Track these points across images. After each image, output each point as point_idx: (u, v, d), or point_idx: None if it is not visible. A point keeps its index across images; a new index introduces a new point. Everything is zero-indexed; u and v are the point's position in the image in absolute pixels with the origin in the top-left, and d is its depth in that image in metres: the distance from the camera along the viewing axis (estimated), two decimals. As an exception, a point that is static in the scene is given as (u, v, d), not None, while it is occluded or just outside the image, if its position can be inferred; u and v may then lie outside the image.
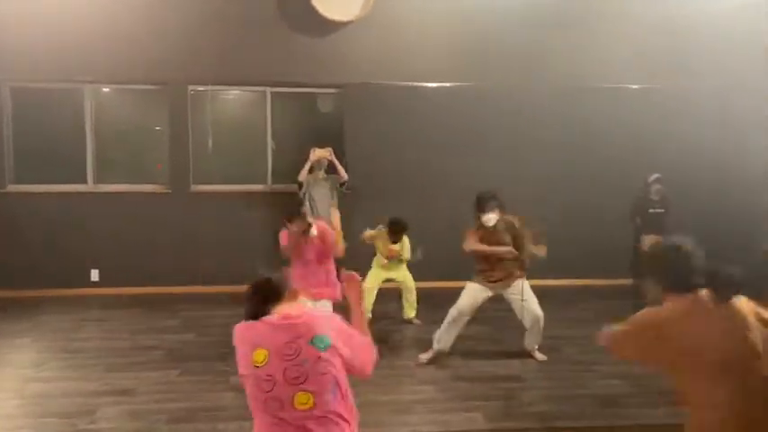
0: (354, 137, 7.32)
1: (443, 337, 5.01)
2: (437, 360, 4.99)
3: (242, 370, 2.14)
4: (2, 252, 6.87)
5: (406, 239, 5.97)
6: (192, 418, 3.95)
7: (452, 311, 5.01)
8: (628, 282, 7.75)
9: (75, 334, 5.62)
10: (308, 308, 2.29)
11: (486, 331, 5.68)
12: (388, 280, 6.06)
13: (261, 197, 7.36)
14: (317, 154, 6.78)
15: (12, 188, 7.01)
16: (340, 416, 2.10)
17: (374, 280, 5.97)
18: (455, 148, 7.38)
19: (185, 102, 7.21)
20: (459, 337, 5.26)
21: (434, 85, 7.40)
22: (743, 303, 2.14)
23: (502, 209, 5.01)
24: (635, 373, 4.67)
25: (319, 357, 2.08)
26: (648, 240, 6.65)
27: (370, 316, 6.02)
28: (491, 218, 4.94)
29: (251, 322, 2.17)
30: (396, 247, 5.93)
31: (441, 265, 6.32)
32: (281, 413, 2.05)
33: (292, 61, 7.19)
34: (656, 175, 7.47)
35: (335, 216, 6.66)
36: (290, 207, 5.15)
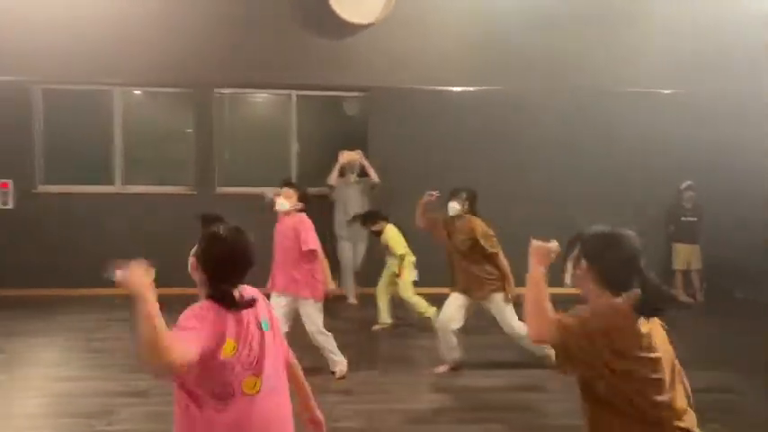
0: (379, 140, 7.27)
1: (444, 350, 4.86)
2: (456, 369, 4.89)
3: (199, 351, 1.88)
4: (30, 251, 6.97)
5: (388, 232, 5.82)
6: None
7: (437, 324, 4.93)
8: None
9: (97, 334, 5.67)
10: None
11: (509, 340, 5.55)
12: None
13: (285, 200, 7.33)
14: (346, 157, 6.78)
15: (42, 189, 7.12)
16: (281, 393, 2.09)
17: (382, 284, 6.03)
18: (479, 152, 7.28)
19: (211, 104, 7.24)
20: (482, 346, 5.18)
21: (459, 89, 7.32)
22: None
23: (471, 208, 4.83)
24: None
25: (264, 338, 2.05)
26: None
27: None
28: (451, 206, 4.79)
29: (218, 309, 2.00)
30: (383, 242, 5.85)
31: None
32: (230, 398, 1.96)
33: (317, 64, 7.18)
34: (688, 183, 7.29)
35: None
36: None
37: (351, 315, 6.62)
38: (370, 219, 5.99)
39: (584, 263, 2.04)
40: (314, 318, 4.57)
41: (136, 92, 7.45)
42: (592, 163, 7.41)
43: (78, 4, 6.92)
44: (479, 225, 4.76)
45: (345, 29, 7.07)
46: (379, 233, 5.89)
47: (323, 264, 4.63)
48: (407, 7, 7.08)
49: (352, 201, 6.85)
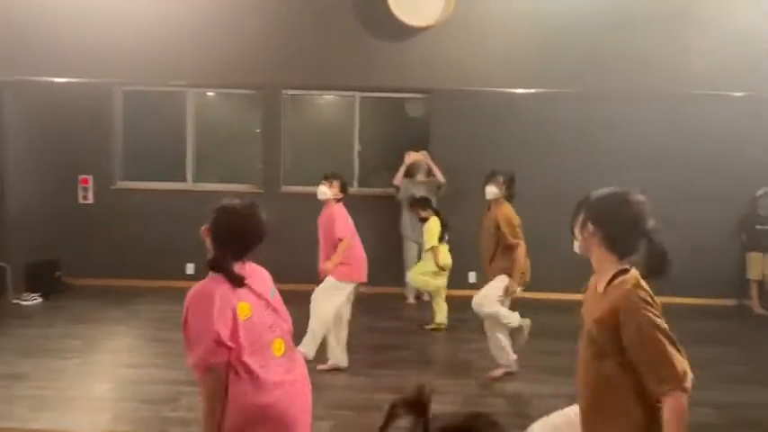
0: (440, 141, 7.28)
1: (494, 351, 4.80)
2: (512, 373, 4.84)
3: (224, 331, 2.02)
4: (108, 244, 7.38)
5: (430, 223, 5.89)
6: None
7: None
8: (732, 302, 7.27)
9: (166, 323, 5.94)
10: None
11: (564, 345, 5.46)
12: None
13: (347, 200, 7.44)
14: (412, 157, 6.86)
15: (120, 184, 7.52)
16: (297, 354, 2.30)
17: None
18: (543, 156, 7.17)
19: (279, 105, 7.45)
20: (534, 351, 5.11)
21: (521, 90, 7.23)
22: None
23: (509, 192, 4.72)
24: (728, 402, 4.35)
25: (278, 307, 2.25)
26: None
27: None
28: (489, 190, 4.70)
29: (222, 283, 2.10)
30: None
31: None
32: (264, 360, 2.09)
33: (380, 67, 7.26)
34: (764, 189, 6.95)
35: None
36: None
37: (409, 315, 6.67)
38: (421, 204, 6.06)
39: (590, 226, 1.97)
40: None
41: (208, 93, 7.75)
42: (661, 168, 7.16)
43: (156, 10, 7.26)
44: (503, 212, 4.64)
45: (407, 31, 7.11)
46: (424, 220, 5.93)
47: (353, 251, 4.82)
48: (469, 9, 7.06)
49: None
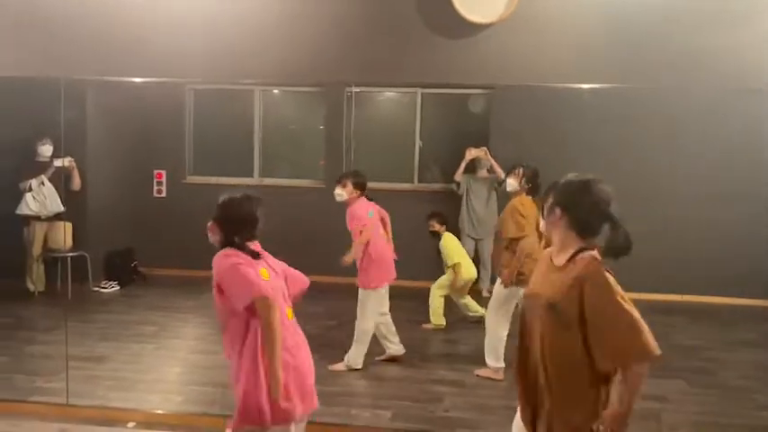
0: (501, 137, 7.25)
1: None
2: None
3: (258, 281, 2.38)
4: (180, 235, 7.72)
5: (445, 242, 5.87)
6: (328, 401, 4.17)
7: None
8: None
9: (234, 313, 6.19)
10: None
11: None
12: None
13: (407, 195, 7.55)
14: (473, 153, 6.90)
15: (190, 179, 7.86)
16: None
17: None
18: (605, 152, 7.01)
19: (341, 102, 7.60)
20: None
21: (586, 86, 7.10)
22: None
23: (531, 186, 4.65)
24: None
25: (281, 282, 2.59)
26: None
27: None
28: (509, 183, 4.66)
29: (239, 253, 2.46)
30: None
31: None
32: (282, 317, 2.42)
33: (443, 63, 7.26)
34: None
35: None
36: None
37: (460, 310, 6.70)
38: (436, 218, 6.01)
39: (557, 210, 2.10)
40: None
41: (274, 91, 7.99)
42: (731, 167, 6.91)
43: (226, 12, 7.51)
44: (512, 204, 4.57)
45: (469, 28, 7.09)
46: (436, 235, 5.92)
47: (377, 253, 4.89)
48: (532, 4, 6.98)
49: (477, 196, 6.97)
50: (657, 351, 1.96)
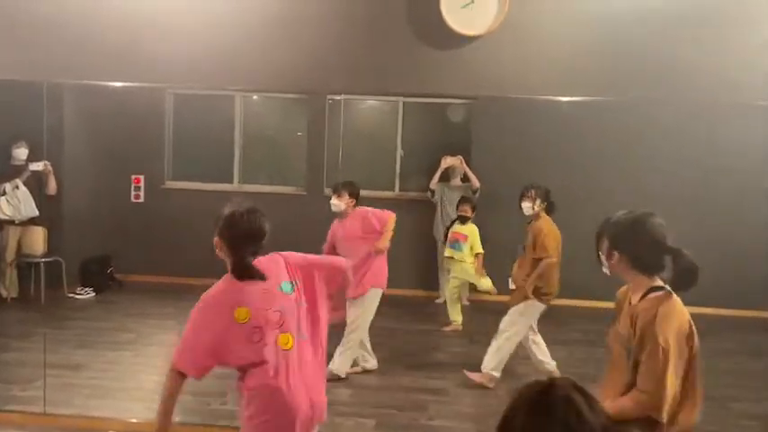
0: (482, 147, 7.32)
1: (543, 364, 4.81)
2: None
3: (186, 346, 2.34)
4: (158, 241, 7.62)
5: (474, 229, 5.86)
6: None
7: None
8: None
9: (214, 321, 6.12)
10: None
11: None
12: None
13: (388, 203, 7.54)
14: (448, 161, 6.95)
15: (169, 184, 7.77)
16: (314, 344, 2.42)
17: (450, 288, 6.13)
18: (584, 165, 7.15)
19: (323, 110, 7.60)
20: (583, 359, 5.13)
21: (567, 98, 7.22)
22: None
23: (546, 206, 4.71)
24: (774, 416, 4.30)
25: (289, 301, 2.37)
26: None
27: (459, 327, 6.06)
28: (525, 206, 4.70)
29: (233, 284, 2.35)
30: (461, 229, 5.86)
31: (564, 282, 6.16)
32: (269, 356, 2.27)
33: (426, 73, 7.31)
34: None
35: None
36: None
37: (443, 317, 6.74)
38: (471, 202, 6.12)
39: (614, 254, 2.07)
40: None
41: (255, 97, 7.95)
42: (709, 179, 7.08)
43: (207, 17, 7.46)
44: (539, 227, 4.64)
45: (456, 39, 7.16)
46: (466, 219, 5.95)
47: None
48: (517, 17, 7.07)
49: (452, 204, 7.01)
50: (663, 414, 1.91)
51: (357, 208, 4.85)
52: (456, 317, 6.11)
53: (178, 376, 2.32)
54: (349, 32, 7.45)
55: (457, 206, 6.18)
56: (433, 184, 7.05)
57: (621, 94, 7.12)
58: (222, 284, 2.37)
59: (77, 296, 6.80)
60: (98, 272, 7.16)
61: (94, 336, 5.53)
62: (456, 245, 5.95)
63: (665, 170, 7.11)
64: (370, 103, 7.98)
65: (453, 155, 7.05)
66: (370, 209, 4.83)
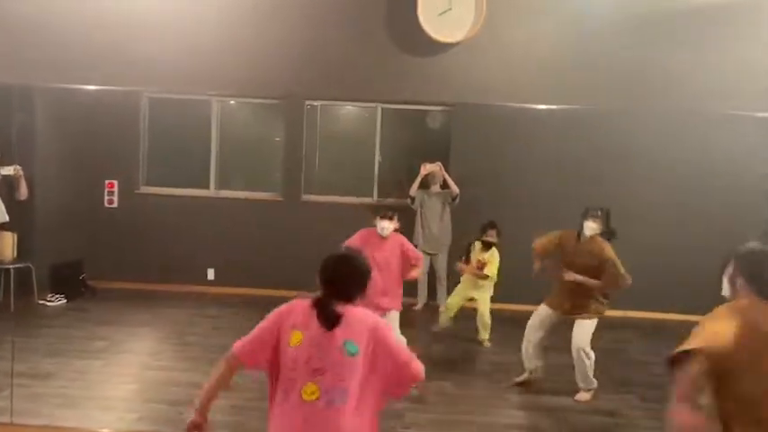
0: (460, 154, 7.35)
1: (525, 361, 4.91)
2: (532, 385, 4.89)
3: (247, 338, 2.28)
4: (132, 247, 7.52)
5: (495, 253, 5.90)
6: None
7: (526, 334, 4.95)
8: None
9: (189, 328, 6.05)
10: (357, 309, 2.29)
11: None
12: (471, 299, 6.04)
13: (366, 209, 7.54)
14: (428, 168, 6.96)
15: (144, 189, 7.66)
16: (344, 413, 2.13)
17: (456, 295, 6.05)
18: (561, 173, 7.21)
19: (301, 116, 7.57)
20: (562, 366, 5.15)
21: (543, 107, 7.29)
22: None
23: (606, 228, 4.74)
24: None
25: (342, 361, 2.16)
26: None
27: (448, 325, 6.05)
28: (589, 226, 4.69)
29: (306, 307, 2.25)
30: (483, 256, 5.87)
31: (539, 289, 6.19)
32: (288, 396, 2.16)
33: (404, 79, 7.35)
34: (785, 208, 6.93)
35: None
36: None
37: (421, 323, 6.73)
38: (495, 227, 6.02)
39: (740, 281, 2.11)
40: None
41: (232, 102, 7.89)
42: (683, 188, 7.18)
43: (184, 20, 7.42)
44: (609, 247, 4.67)
45: (434, 47, 7.20)
46: (490, 246, 5.92)
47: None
48: (494, 26, 7.14)
49: (432, 211, 7.02)
50: None
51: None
52: (446, 320, 6.14)
53: (231, 359, 2.29)
54: (327, 39, 7.45)
55: (483, 230, 6.04)
56: (413, 191, 7.05)
57: (599, 103, 7.21)
58: (300, 301, 2.32)
59: (48, 303, 6.66)
60: (70, 278, 7.02)
61: (65, 344, 5.41)
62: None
63: (643, 176, 7.21)
64: (349, 108, 7.97)
65: (432, 161, 7.07)
66: (404, 239, 5.10)
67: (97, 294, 7.11)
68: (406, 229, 7.16)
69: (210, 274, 7.57)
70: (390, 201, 7.47)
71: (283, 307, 2.31)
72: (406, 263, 4.94)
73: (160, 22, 7.42)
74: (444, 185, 7.03)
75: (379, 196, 7.66)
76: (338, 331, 2.18)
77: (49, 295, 6.77)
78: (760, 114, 7.10)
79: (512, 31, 7.24)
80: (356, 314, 2.24)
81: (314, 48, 7.41)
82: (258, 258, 7.54)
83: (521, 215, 7.02)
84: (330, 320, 2.19)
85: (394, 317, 4.92)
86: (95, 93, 7.45)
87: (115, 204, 7.57)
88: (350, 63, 7.40)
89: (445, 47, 7.19)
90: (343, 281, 2.31)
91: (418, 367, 2.24)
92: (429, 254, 7.08)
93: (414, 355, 2.27)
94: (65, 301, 6.78)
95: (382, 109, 7.63)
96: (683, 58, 7.14)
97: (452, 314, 6.11)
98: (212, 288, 7.52)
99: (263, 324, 2.29)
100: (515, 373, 5.05)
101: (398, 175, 7.74)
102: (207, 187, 7.74)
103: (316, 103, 7.70)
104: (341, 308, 2.24)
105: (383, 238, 4.92)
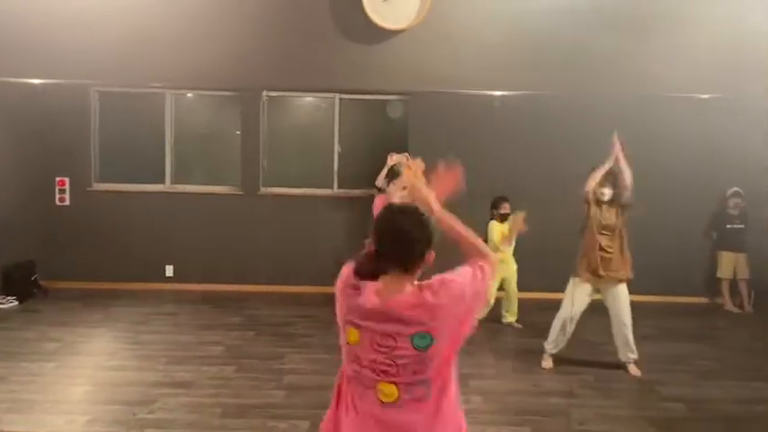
0: (418, 143, 7.33)
1: (561, 341, 5.03)
2: (490, 371, 4.94)
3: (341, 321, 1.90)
4: (85, 246, 7.34)
5: (511, 218, 5.94)
6: (245, 413, 4.08)
7: (559, 319, 5.01)
8: (703, 300, 7.42)
9: (145, 326, 5.93)
10: (420, 290, 1.83)
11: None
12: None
13: (326, 201, 7.51)
14: (395, 159, 6.92)
15: (96, 186, 7.47)
16: (429, 403, 1.83)
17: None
18: (520, 158, 7.27)
19: (258, 107, 7.46)
20: (520, 351, 5.22)
21: (497, 93, 7.33)
22: None
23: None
24: (697, 398, 4.47)
25: (417, 356, 1.80)
26: None
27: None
28: (605, 192, 4.89)
29: (357, 285, 1.86)
30: (505, 229, 5.94)
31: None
32: (361, 398, 1.86)
33: (360, 69, 7.30)
34: (734, 189, 7.12)
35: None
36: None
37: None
38: (508, 200, 6.09)
39: None
40: None
41: (187, 95, 7.74)
42: (639, 170, 7.26)
43: (133, 11, 7.23)
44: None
45: (382, 34, 7.16)
46: (506, 217, 5.98)
47: None
48: (445, 12, 7.14)
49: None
50: None
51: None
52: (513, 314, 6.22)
53: None
54: (279, 29, 7.34)
55: (495, 205, 6.10)
56: (380, 181, 7.01)
57: (552, 88, 7.28)
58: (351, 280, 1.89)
59: (-1, 305, 6.48)
60: (21, 279, 6.82)
61: (16, 346, 5.26)
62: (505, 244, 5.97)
63: (600, 160, 7.28)
64: (308, 99, 7.88)
65: (394, 151, 7.04)
66: None
67: (50, 295, 6.93)
68: (365, 219, 7.16)
69: (169, 270, 7.44)
70: (354, 192, 7.45)
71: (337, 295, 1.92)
72: None
73: (108, 15, 7.22)
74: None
75: (339, 187, 7.61)
76: (401, 324, 1.79)
77: (0, 297, 6.57)
78: (705, 96, 7.27)
79: (458, 18, 7.24)
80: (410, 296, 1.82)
81: (267, 39, 7.31)
82: (218, 253, 7.44)
83: (477, 202, 7.07)
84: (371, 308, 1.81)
85: None
86: (43, 87, 7.23)
87: (67, 202, 7.37)
88: (304, 54, 7.31)
89: (393, 34, 7.15)
90: (396, 244, 1.85)
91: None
92: None
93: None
94: (16, 302, 6.59)
95: (340, 99, 7.57)
96: (632, 41, 7.23)
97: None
98: (171, 285, 7.39)
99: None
100: (477, 356, 5.11)
101: (358, 166, 7.71)
102: (162, 182, 7.59)
103: (273, 94, 7.60)
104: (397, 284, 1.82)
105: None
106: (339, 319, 1.92)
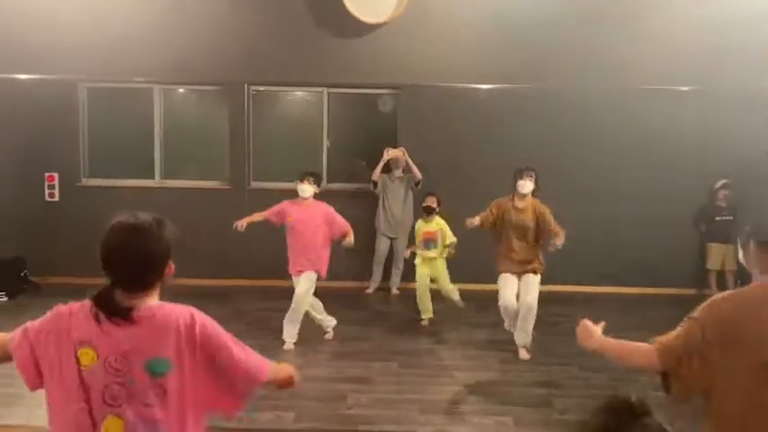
0: (408, 137, 7.37)
1: (517, 333, 5.09)
2: (473, 363, 4.99)
3: (46, 372, 1.70)
4: (74, 241, 7.32)
5: (442, 222, 5.80)
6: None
7: (501, 308, 5.08)
8: (691, 291, 7.47)
9: (134, 321, 5.94)
10: (163, 305, 1.75)
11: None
12: (432, 280, 5.95)
13: (315, 195, 7.51)
14: (391, 153, 6.95)
15: (86, 182, 7.48)
16: None
17: (421, 279, 5.92)
18: (508, 150, 7.28)
19: (244, 102, 7.47)
20: (502, 342, 5.26)
21: (486, 86, 7.35)
22: None
23: (537, 187, 5.02)
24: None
25: (149, 384, 1.66)
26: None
27: (431, 316, 6.03)
28: (526, 184, 4.93)
29: (77, 307, 1.78)
30: (429, 227, 5.80)
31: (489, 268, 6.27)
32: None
33: (348, 63, 7.31)
34: (723, 181, 7.15)
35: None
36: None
37: (374, 307, 6.78)
38: (437, 197, 5.95)
39: (752, 244, 2.29)
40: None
41: (181, 90, 7.74)
42: (619, 161, 7.33)
43: (120, 6, 7.23)
44: (542, 205, 4.98)
45: (362, 28, 7.15)
46: (432, 211, 5.80)
47: None
48: (431, 6, 7.15)
49: (394, 195, 7.04)
50: None
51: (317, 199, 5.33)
52: (428, 310, 5.98)
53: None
54: (264, 24, 7.33)
55: (421, 201, 5.98)
56: (376, 175, 7.04)
57: (537, 82, 7.30)
58: (65, 309, 1.79)
59: (-12, 301, 6.49)
60: (11, 275, 6.84)
61: (5, 342, 5.27)
62: (429, 244, 5.81)
63: (582, 153, 7.33)
64: (297, 93, 7.89)
65: (384, 145, 7.08)
66: (331, 208, 5.34)
67: (40, 290, 6.95)
68: (365, 214, 7.18)
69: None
70: (344, 186, 7.48)
71: (54, 315, 1.79)
72: (335, 230, 5.19)
73: (96, 10, 7.21)
74: (407, 170, 7.04)
75: (329, 181, 7.63)
76: (142, 345, 1.66)
77: (-10, 293, 6.60)
78: (685, 88, 7.30)
79: (440, 11, 7.24)
80: (160, 313, 1.71)
81: (252, 33, 7.31)
82: (207, 249, 7.44)
83: (468, 194, 7.11)
84: (118, 314, 1.68)
85: (309, 276, 5.11)
86: (31, 83, 7.23)
87: (56, 198, 7.38)
88: (290, 48, 7.32)
89: (373, 28, 7.15)
90: (128, 263, 1.72)
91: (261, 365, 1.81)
92: (390, 237, 7.14)
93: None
94: (6, 298, 6.61)
95: (328, 93, 7.59)
96: (614, 34, 7.23)
97: (427, 301, 5.99)
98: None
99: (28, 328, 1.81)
100: (460, 349, 5.16)
101: (347, 160, 7.75)
102: (152, 177, 7.60)
103: (260, 89, 7.60)
104: (131, 302, 1.68)
105: (305, 199, 5.19)
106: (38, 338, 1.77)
